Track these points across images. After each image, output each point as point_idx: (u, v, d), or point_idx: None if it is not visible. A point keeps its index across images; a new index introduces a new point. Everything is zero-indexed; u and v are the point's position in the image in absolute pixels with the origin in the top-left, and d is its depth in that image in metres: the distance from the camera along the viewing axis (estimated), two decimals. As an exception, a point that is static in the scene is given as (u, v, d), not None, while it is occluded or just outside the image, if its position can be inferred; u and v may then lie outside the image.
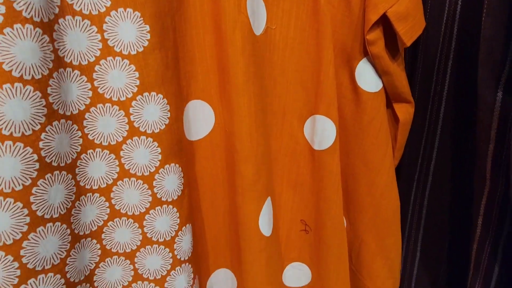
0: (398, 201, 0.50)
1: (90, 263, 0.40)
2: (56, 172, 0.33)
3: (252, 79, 0.41)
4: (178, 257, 0.43)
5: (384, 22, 0.43)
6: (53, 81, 0.32)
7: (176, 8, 0.38)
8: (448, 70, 0.47)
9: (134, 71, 0.36)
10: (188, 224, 0.43)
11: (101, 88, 0.36)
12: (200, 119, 0.44)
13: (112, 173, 0.39)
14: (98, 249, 0.40)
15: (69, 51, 0.34)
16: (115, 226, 0.40)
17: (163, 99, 0.38)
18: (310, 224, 0.52)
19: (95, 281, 0.41)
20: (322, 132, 0.48)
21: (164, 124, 0.38)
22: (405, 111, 0.48)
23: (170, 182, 0.40)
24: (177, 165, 0.40)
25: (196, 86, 0.43)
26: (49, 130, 0.32)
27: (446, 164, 0.50)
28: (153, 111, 0.38)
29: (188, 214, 0.43)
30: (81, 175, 0.37)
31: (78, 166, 0.36)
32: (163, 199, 0.40)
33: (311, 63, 0.46)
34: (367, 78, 0.46)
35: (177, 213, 0.42)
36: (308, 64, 0.46)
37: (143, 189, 0.40)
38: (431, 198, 0.53)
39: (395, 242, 0.51)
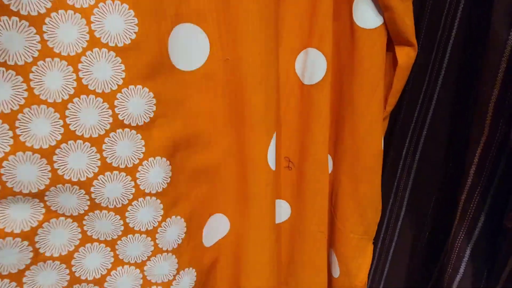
0: (380, 148, 0.48)
1: (70, 244, 0.39)
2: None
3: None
4: (160, 246, 0.42)
5: None
6: None
7: None
8: (458, 14, 0.43)
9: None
10: (174, 216, 0.42)
11: None
12: (193, 46, 0.39)
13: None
14: (79, 232, 0.39)
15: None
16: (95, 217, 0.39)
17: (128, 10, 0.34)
18: (294, 160, 0.50)
19: (73, 265, 0.39)
20: (313, 65, 0.45)
21: (130, 38, 0.34)
22: (405, 54, 0.44)
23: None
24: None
25: (188, 7, 0.38)
26: None
27: (444, 117, 0.48)
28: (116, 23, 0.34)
29: (174, 205, 0.42)
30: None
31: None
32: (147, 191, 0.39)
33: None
34: (364, 12, 0.42)
35: (161, 205, 0.40)
36: None
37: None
38: (423, 153, 0.51)
39: (370, 189, 0.50)
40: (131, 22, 0.34)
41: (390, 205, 0.57)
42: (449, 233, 0.44)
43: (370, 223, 0.52)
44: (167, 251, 0.43)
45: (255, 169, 0.44)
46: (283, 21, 0.44)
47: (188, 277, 0.46)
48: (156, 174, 0.39)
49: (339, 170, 0.51)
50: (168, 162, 0.40)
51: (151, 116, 0.37)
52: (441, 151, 0.49)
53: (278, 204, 0.53)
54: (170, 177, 0.40)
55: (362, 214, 0.51)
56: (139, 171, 0.38)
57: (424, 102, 0.50)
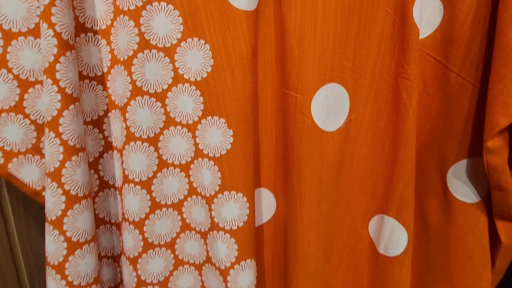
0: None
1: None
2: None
3: (310, 178, 0.36)
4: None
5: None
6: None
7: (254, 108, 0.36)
8: None
9: (217, 171, 0.36)
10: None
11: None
12: (264, 204, 0.41)
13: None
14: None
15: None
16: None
17: (242, 197, 0.37)
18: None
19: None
20: (390, 236, 0.38)
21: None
22: (510, 232, 0.36)
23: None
24: None
25: (262, 175, 0.40)
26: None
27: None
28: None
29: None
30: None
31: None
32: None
33: (384, 158, 0.37)
34: (462, 186, 0.35)
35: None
36: (381, 158, 0.37)
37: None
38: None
39: None
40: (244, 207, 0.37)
41: None
42: None
43: None
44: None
45: None
46: (354, 181, 0.39)
47: None
48: None
49: None
50: None
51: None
52: None
53: None
54: None
55: None
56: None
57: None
